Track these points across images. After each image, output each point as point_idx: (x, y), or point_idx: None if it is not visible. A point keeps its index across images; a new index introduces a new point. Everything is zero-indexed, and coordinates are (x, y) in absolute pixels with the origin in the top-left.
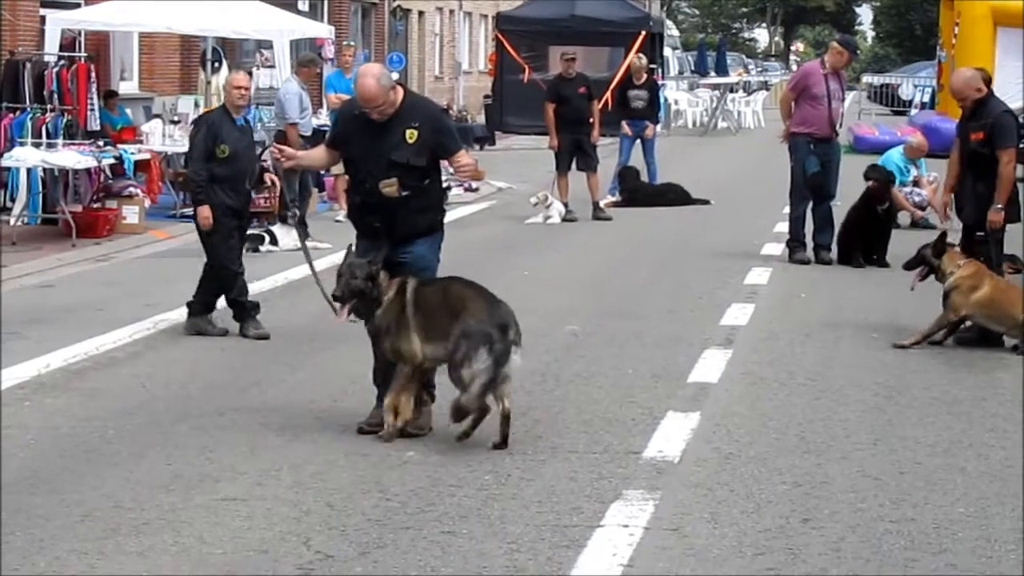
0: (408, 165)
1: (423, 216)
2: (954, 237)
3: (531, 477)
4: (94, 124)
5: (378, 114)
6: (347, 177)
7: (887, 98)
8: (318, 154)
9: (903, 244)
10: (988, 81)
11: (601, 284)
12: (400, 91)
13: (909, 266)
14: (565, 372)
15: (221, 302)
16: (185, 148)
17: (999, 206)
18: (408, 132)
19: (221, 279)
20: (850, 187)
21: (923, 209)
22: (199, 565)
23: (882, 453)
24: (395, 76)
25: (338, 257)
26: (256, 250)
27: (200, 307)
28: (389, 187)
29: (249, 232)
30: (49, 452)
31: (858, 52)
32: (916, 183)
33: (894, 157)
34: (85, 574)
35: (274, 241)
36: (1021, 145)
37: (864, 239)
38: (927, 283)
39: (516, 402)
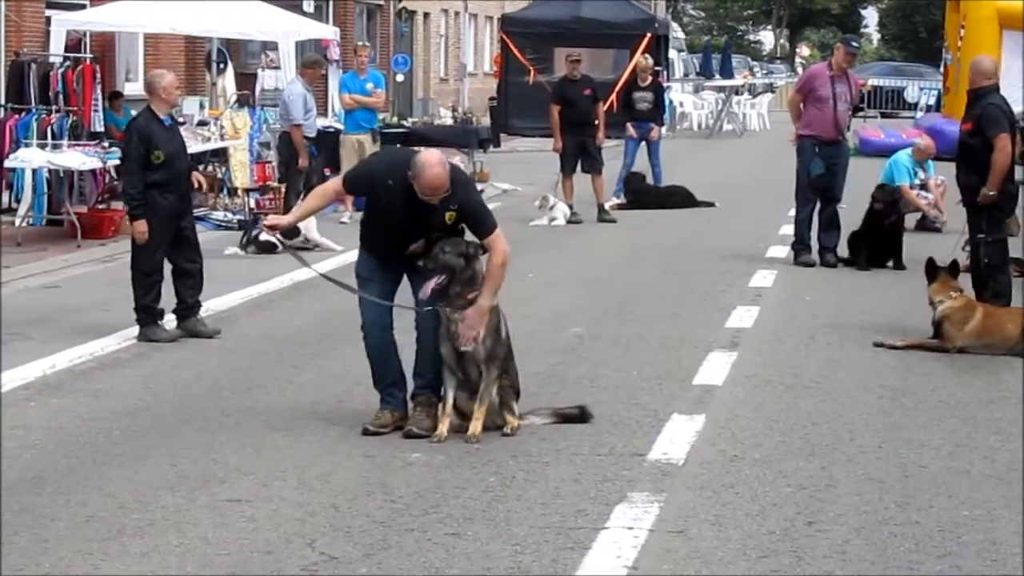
0: (442, 237)
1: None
2: (960, 239)
3: (536, 479)
4: (98, 125)
5: (434, 199)
6: None
7: (892, 101)
8: (315, 204)
9: (909, 247)
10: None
11: (606, 286)
12: None
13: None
14: (570, 374)
15: (235, 301)
16: (190, 150)
17: (991, 192)
18: (448, 215)
19: (141, 285)
20: (857, 191)
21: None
22: (204, 566)
23: (887, 456)
24: (400, 79)
25: (349, 257)
26: (272, 252)
27: (145, 316)
28: (416, 247)
29: (264, 239)
30: (54, 453)
31: (854, 45)
32: (924, 186)
33: (903, 160)
34: (90, 575)
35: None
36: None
37: (872, 245)
38: None
39: (522, 404)
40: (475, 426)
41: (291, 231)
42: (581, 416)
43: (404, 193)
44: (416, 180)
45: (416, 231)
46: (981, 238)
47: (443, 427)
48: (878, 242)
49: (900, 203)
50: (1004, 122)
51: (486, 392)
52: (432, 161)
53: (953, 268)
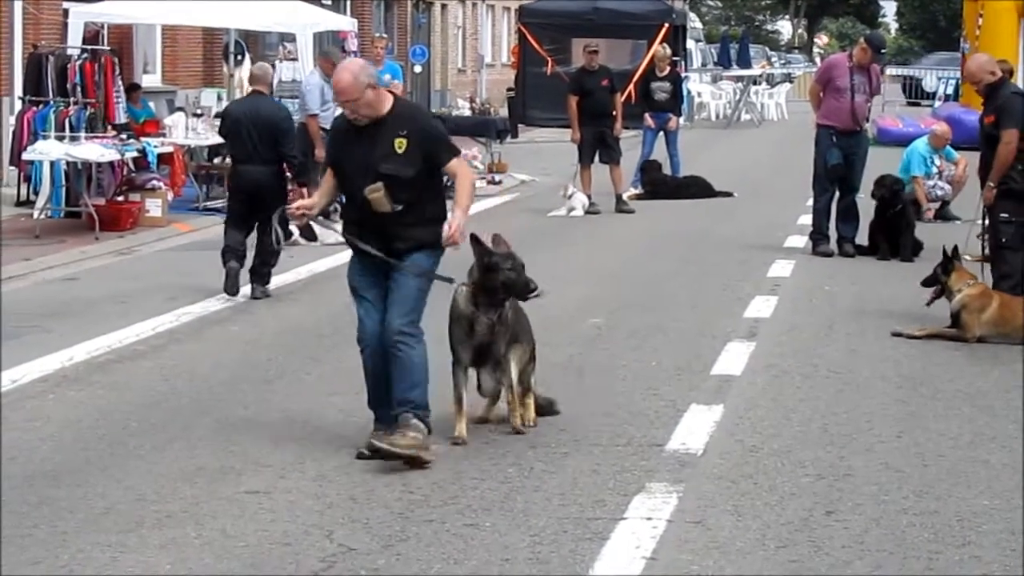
0: (397, 177)
1: (422, 230)
2: (973, 228)
3: (554, 470)
4: (122, 116)
5: (352, 113)
6: None
7: (910, 90)
8: (327, 186)
9: (927, 238)
10: (1010, 72)
11: (624, 277)
12: (388, 97)
13: (926, 283)
14: (588, 365)
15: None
16: (208, 141)
17: (991, 184)
18: (397, 141)
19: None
20: (874, 180)
21: (947, 204)
22: (222, 558)
23: (905, 445)
24: (418, 70)
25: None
26: (313, 240)
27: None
28: (375, 192)
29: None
30: (72, 445)
31: (883, 51)
32: (941, 174)
33: (919, 148)
34: (108, 567)
35: (311, 236)
36: None
37: (887, 235)
38: None
39: (540, 395)
40: (528, 415)
41: (309, 232)
42: (549, 408)
43: (348, 131)
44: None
45: (372, 172)
46: (1005, 217)
47: (461, 427)
48: (895, 233)
49: (902, 192)
50: (1018, 117)
51: (508, 382)
52: (345, 67)
53: (954, 253)
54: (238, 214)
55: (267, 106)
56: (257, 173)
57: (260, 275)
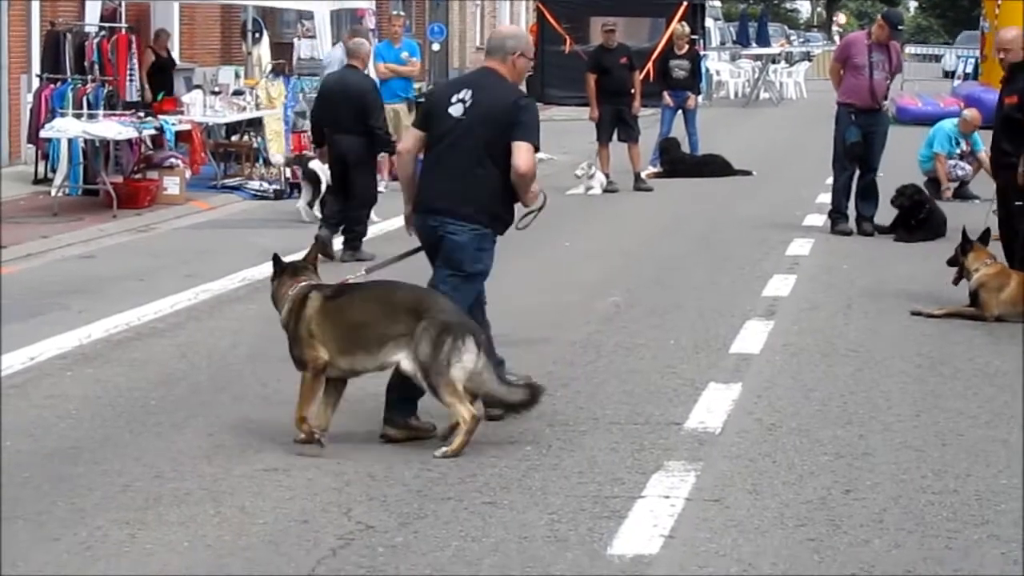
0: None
1: None
2: (991, 207)
3: (572, 448)
4: (133, 95)
5: None
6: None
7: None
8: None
9: (948, 217)
10: None
11: (642, 255)
12: None
13: (951, 263)
14: (607, 343)
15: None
16: (226, 119)
17: (1022, 169)
18: None
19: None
20: (895, 160)
21: (966, 183)
22: (240, 535)
23: (924, 424)
24: (435, 48)
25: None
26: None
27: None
28: None
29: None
30: (90, 422)
31: (900, 27)
32: (963, 156)
33: (946, 127)
34: (126, 544)
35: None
36: None
37: (909, 234)
38: None
39: (559, 373)
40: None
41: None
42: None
43: None
44: None
45: None
46: (1019, 206)
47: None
48: (923, 231)
49: (925, 202)
50: None
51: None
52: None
53: (984, 237)
54: (336, 182)
55: (355, 79)
56: (343, 142)
57: (349, 241)
